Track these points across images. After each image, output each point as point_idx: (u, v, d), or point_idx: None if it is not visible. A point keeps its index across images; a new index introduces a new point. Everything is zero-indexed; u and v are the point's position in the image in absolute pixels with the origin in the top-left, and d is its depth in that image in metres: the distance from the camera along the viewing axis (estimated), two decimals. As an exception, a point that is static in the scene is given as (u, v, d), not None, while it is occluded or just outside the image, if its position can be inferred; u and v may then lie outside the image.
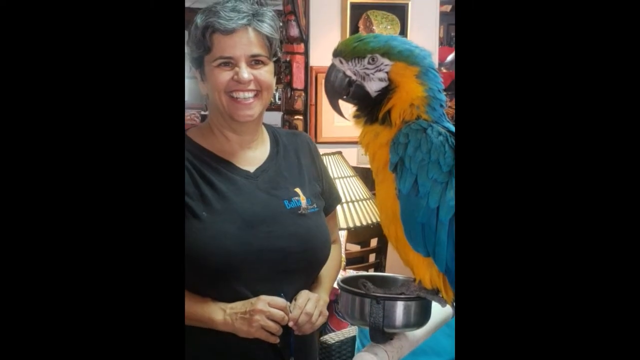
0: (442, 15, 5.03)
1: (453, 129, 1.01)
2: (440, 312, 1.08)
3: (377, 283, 1.07)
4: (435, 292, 1.00)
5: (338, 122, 3.60)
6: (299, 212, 1.39)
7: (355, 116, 1.05)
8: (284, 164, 1.45)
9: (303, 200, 1.40)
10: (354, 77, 1.02)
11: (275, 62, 1.41)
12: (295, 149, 1.49)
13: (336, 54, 1.03)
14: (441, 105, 1.02)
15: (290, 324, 1.32)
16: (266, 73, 1.38)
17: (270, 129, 1.51)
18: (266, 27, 1.37)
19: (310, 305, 1.34)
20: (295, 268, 1.37)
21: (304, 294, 1.36)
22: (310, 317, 1.34)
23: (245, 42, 1.34)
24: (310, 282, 1.43)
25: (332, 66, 1.03)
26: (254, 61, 1.36)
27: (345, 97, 1.04)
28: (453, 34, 7.37)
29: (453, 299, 1.00)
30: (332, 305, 2.38)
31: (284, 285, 1.35)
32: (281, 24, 1.51)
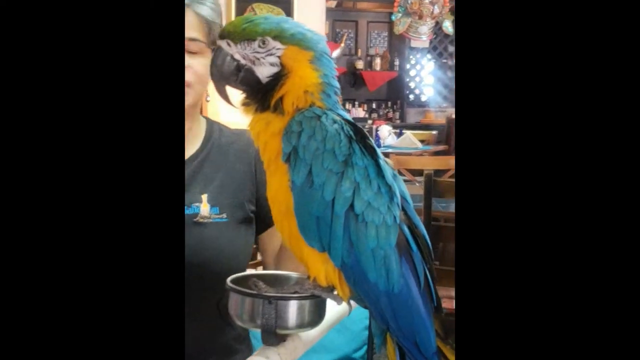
0: (328, 11, 5.07)
1: (348, 117, 0.97)
2: (335, 309, 1.03)
3: (270, 282, 1.00)
4: (331, 290, 0.96)
5: (224, 117, 3.48)
6: (194, 219, 1.26)
7: (245, 104, 0.97)
8: (205, 165, 1.31)
9: (204, 208, 1.26)
10: (243, 61, 0.94)
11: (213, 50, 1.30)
12: (230, 151, 1.35)
13: (223, 35, 0.94)
14: (335, 93, 0.97)
15: None
16: (201, 66, 1.24)
17: (211, 125, 1.37)
18: (206, 10, 1.26)
19: None
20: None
21: None
22: None
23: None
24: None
25: (219, 49, 0.95)
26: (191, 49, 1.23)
27: (233, 82, 0.96)
28: (338, 29, 7.45)
29: (349, 296, 0.96)
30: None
31: None
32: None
